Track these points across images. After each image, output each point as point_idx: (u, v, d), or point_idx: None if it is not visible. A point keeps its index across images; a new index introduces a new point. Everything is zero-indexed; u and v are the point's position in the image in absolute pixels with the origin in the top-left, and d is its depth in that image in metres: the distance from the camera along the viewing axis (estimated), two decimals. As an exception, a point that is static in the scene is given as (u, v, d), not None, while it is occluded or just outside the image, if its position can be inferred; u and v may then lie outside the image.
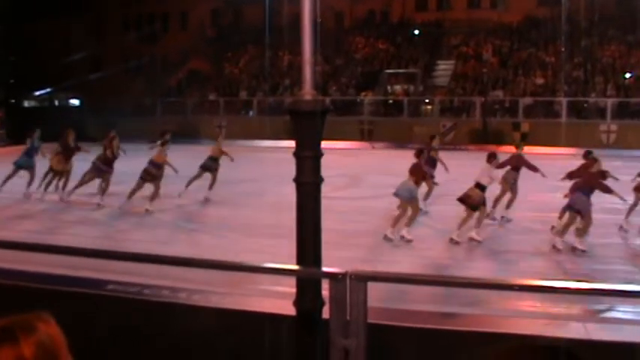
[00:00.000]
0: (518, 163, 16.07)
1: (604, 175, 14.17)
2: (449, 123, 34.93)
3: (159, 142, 17.55)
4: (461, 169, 25.12)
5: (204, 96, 42.99)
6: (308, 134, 4.74)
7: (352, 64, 43.42)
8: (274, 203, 16.13)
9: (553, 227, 13.77)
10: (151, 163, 17.25)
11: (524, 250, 13.19)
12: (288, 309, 4.89)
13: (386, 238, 13.57)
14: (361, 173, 23.55)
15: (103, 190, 17.98)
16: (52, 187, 18.96)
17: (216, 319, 5.51)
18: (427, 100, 38.69)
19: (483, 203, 13.95)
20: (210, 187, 18.59)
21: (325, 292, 3.86)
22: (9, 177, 18.95)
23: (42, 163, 19.15)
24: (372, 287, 3.61)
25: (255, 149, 31.84)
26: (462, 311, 7.19)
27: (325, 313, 3.99)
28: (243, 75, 45.28)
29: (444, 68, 41.45)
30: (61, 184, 19.02)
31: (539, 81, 38.38)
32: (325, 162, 4.88)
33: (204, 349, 5.08)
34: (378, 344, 4.08)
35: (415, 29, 46.00)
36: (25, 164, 19.12)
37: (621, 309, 8.67)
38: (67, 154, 19.01)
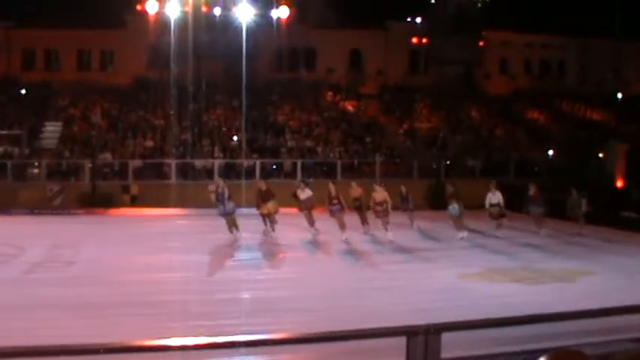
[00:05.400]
0: None
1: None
2: (56, 187, 33.93)
3: None
4: (71, 233, 24.53)
5: None
6: None
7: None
8: None
9: None
10: None
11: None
12: None
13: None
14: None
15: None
16: None
17: None
18: (35, 163, 36.98)
19: None
20: None
21: None
22: None
23: None
24: None
25: None
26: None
27: None
28: None
29: (52, 130, 40.10)
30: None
31: (149, 144, 38.96)
32: None
33: None
34: None
35: (21, 89, 44.17)
36: None
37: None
38: None
